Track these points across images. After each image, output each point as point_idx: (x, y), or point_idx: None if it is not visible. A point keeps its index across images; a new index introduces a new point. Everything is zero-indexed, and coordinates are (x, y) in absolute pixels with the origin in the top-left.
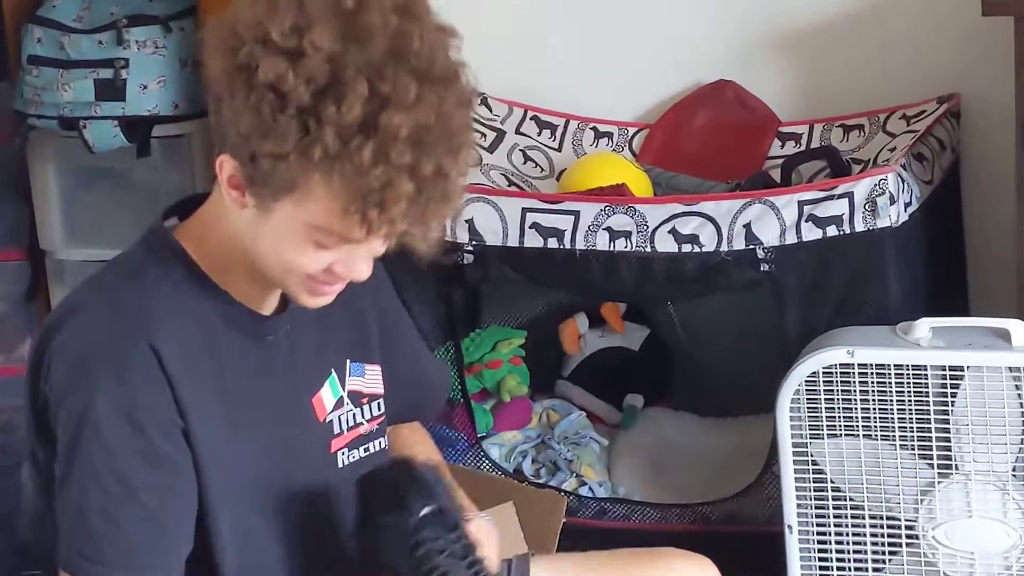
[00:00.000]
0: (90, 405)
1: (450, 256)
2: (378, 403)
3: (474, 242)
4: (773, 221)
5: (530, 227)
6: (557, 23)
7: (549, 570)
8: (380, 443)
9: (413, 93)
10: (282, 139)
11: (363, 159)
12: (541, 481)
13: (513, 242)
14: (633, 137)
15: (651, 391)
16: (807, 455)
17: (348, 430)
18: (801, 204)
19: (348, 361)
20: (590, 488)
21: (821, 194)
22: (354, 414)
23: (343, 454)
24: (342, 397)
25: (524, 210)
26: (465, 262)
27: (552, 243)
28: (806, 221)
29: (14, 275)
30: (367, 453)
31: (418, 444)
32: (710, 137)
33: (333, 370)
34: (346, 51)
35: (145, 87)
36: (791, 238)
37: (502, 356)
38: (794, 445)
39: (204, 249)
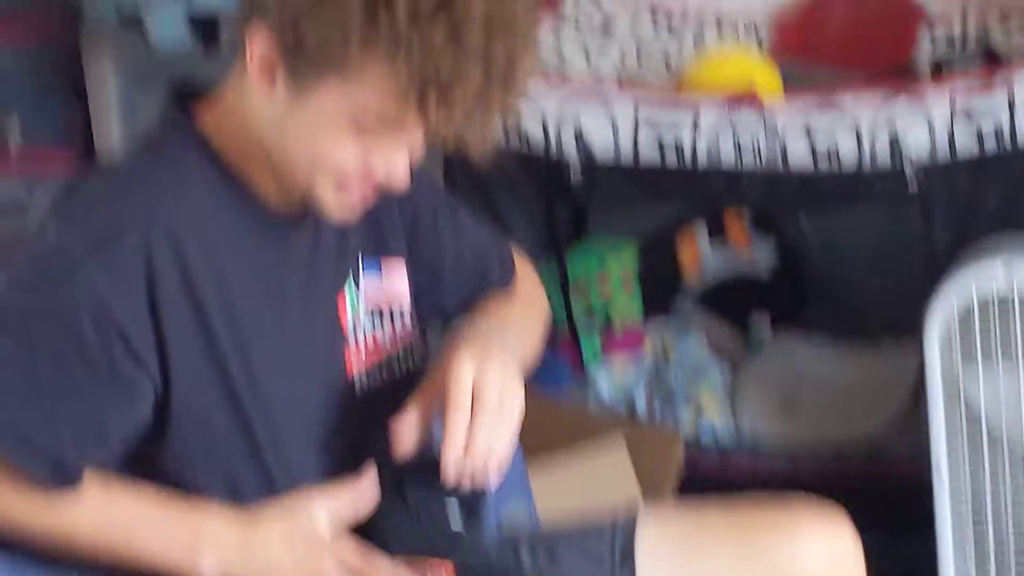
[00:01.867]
0: (48, 260)
1: (553, 163)
2: (400, 314)
3: (580, 147)
4: (922, 124)
5: (644, 131)
6: None
7: (656, 528)
8: (411, 365)
9: None
10: (344, 15)
11: (433, 40)
12: (656, 416)
13: (625, 148)
14: (762, 30)
15: (780, 313)
16: (958, 388)
17: (364, 345)
18: (953, 100)
19: (363, 265)
20: (711, 424)
21: (976, 83)
22: (372, 329)
23: (361, 379)
24: (357, 305)
25: (638, 112)
26: (571, 169)
27: (670, 150)
28: (959, 122)
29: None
30: (389, 377)
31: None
32: (850, 30)
33: (352, 273)
34: None
35: None
36: (942, 144)
37: (611, 272)
38: (943, 376)
39: (224, 137)
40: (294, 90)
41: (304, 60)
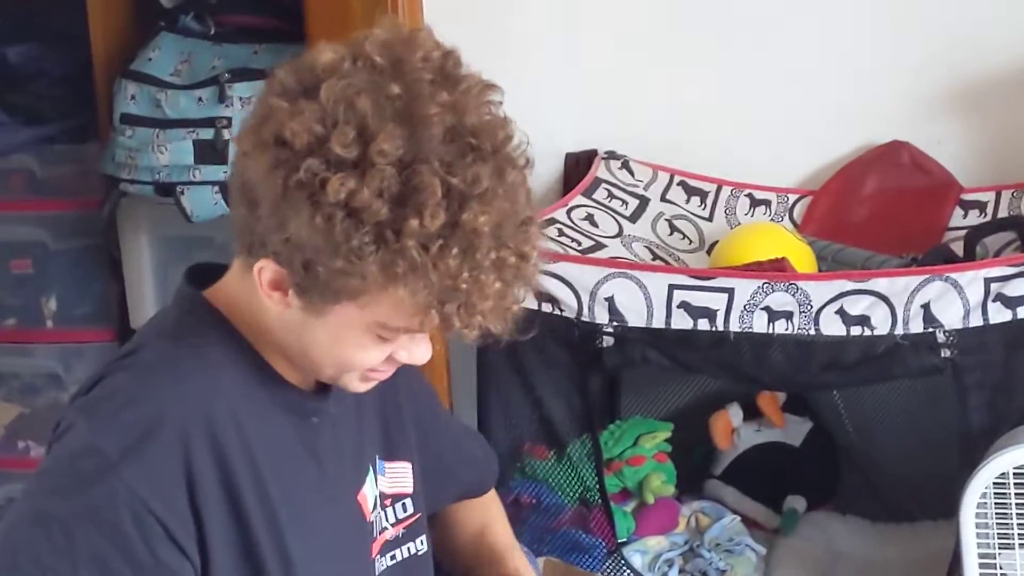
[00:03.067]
0: (83, 462)
1: (587, 339)
2: (403, 503)
3: (615, 323)
4: (955, 301)
5: (678, 306)
6: (706, 78)
7: None
8: (411, 548)
9: (485, 181)
10: (357, 258)
11: (449, 265)
12: None
13: (658, 323)
14: (794, 205)
15: (815, 492)
16: (996, 568)
17: (378, 533)
18: (988, 282)
19: (377, 457)
20: None
21: (1011, 270)
22: (382, 516)
23: (379, 561)
24: (376, 498)
25: (671, 287)
26: (604, 345)
27: (703, 324)
28: (993, 301)
29: (100, 356)
30: (394, 561)
31: (493, 524)
32: (882, 205)
33: (371, 465)
34: (412, 151)
35: None
36: (976, 320)
37: (645, 452)
38: (980, 556)
39: (238, 320)
40: (309, 309)
41: (316, 292)
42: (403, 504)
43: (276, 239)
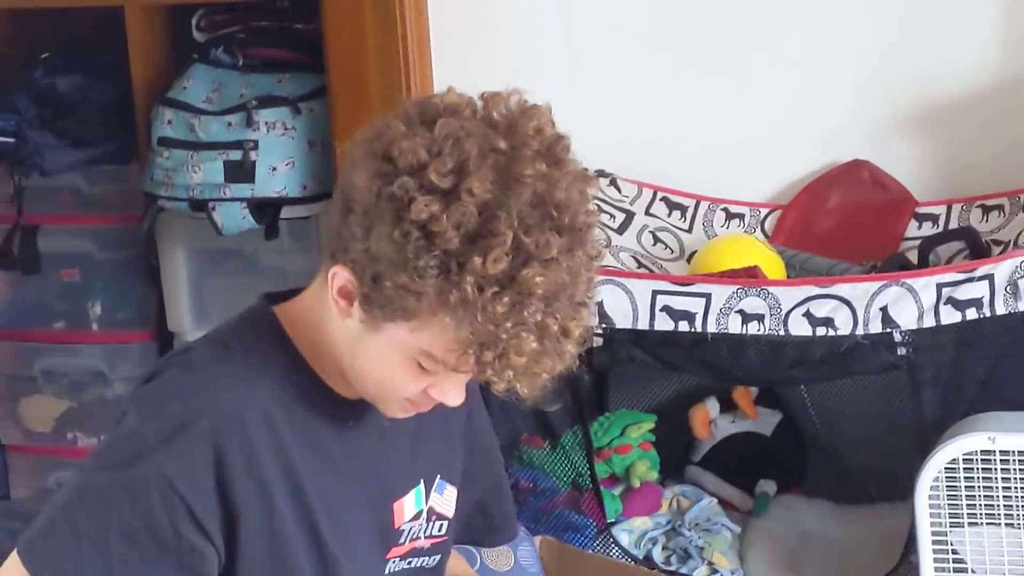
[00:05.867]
0: (125, 444)
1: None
2: (442, 524)
3: (603, 325)
4: (911, 304)
5: (660, 310)
6: (687, 102)
7: None
8: (427, 562)
9: (554, 250)
10: (420, 276)
11: (497, 311)
12: (672, 568)
13: (643, 325)
14: (765, 218)
15: (784, 477)
16: (947, 545)
17: (409, 541)
18: (940, 286)
19: (439, 476)
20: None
21: (960, 276)
22: (423, 528)
23: (393, 563)
24: (421, 511)
25: (654, 292)
26: (594, 345)
27: (683, 326)
28: (945, 304)
29: (141, 356)
30: (409, 566)
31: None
32: (844, 218)
33: (423, 480)
34: (498, 200)
35: (274, 169)
36: (929, 321)
37: (631, 441)
38: (933, 534)
39: (298, 335)
40: (367, 323)
41: (378, 305)
42: (440, 525)
43: (358, 247)
